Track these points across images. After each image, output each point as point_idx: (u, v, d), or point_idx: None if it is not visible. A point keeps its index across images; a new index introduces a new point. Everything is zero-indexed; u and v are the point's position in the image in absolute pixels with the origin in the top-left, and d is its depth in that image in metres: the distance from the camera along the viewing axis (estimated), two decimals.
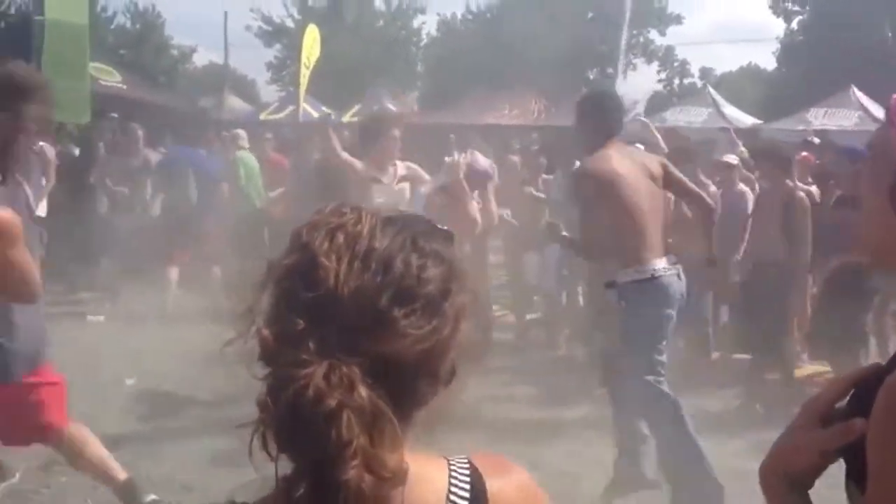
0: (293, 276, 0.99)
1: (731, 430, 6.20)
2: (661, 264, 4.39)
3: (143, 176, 10.32)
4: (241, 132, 11.23)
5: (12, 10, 27.27)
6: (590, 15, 33.40)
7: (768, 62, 38.87)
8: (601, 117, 4.65)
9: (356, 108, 23.45)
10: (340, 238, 1.00)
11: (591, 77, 32.41)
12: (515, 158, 10.11)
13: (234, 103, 25.68)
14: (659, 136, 8.55)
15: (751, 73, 41.23)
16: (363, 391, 0.93)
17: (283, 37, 38.42)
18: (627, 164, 4.58)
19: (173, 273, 9.29)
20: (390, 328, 0.97)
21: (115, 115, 12.77)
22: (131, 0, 39.45)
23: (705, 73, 40.50)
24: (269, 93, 38.22)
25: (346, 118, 22.20)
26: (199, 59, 43.07)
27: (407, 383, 1.00)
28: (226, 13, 36.24)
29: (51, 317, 8.06)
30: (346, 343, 0.95)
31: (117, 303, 9.19)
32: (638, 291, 4.34)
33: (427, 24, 40.30)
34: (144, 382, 6.64)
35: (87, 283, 9.86)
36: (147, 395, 6.46)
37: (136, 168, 10.42)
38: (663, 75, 40.38)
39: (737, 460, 5.74)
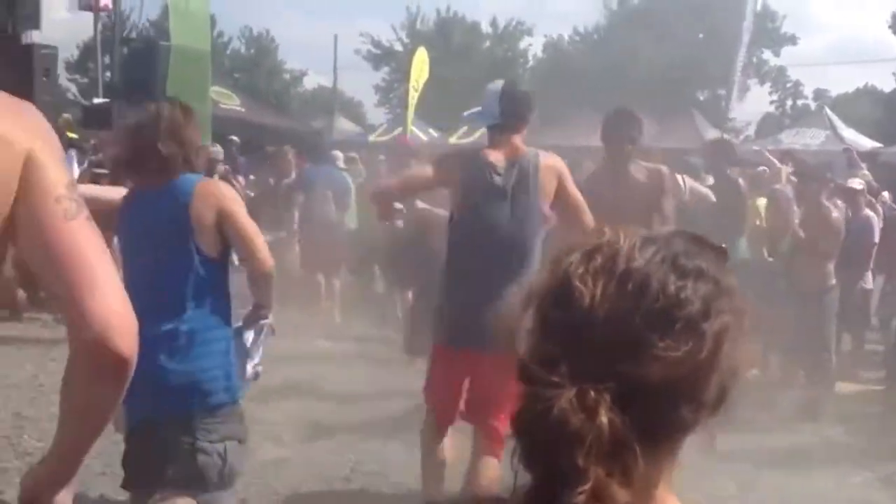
0: (549, 298, 0.98)
1: (856, 461, 5.99)
2: None
3: (295, 193, 10.53)
4: (338, 153, 11.44)
5: (133, 35, 28.63)
6: (700, 35, 32.91)
7: (886, 83, 37.53)
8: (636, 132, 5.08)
9: (462, 129, 23.64)
10: (598, 260, 0.98)
11: (702, 98, 31.88)
12: None
13: (344, 125, 26.25)
14: (775, 160, 8.37)
15: (868, 94, 39.83)
16: (606, 418, 0.91)
17: (391, 60, 39.11)
18: None
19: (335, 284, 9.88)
20: (644, 351, 0.94)
21: (235, 137, 13.20)
22: (246, 25, 41.01)
23: (819, 94, 39.37)
24: (377, 115, 38.98)
25: (452, 140, 22.42)
26: (309, 83, 44.24)
27: (664, 410, 0.96)
28: (336, 37, 37.12)
29: None
30: (599, 367, 0.93)
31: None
32: None
33: (533, 46, 40.44)
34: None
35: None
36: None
37: (290, 186, 10.66)
38: (775, 96, 39.51)
39: (861, 492, 5.55)
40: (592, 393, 0.91)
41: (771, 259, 7.16)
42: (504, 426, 3.77)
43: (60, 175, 1.30)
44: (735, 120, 30.79)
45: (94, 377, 1.27)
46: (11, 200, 1.25)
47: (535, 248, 3.93)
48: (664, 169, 5.16)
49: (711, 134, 17.71)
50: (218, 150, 10.71)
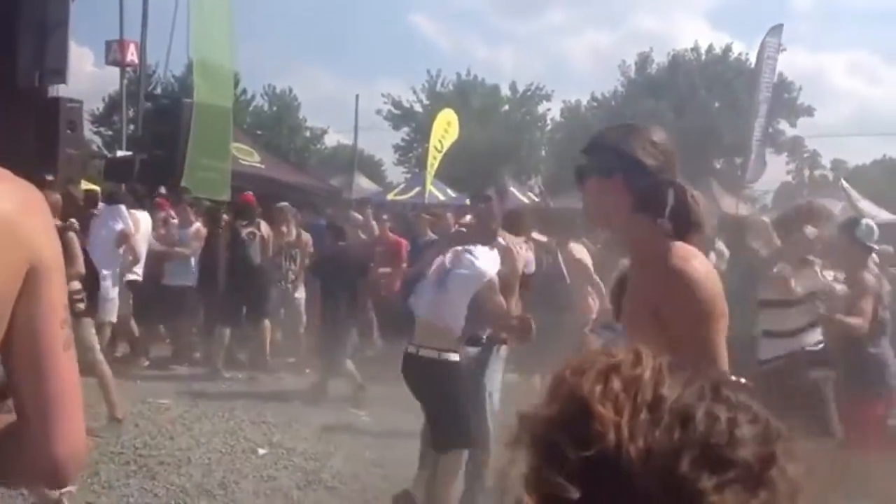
0: (559, 429, 0.77)
1: None
2: None
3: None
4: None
5: (158, 90, 29.11)
6: (716, 104, 33.20)
7: None
8: None
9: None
10: (616, 383, 0.77)
11: (719, 167, 32.00)
12: None
13: (363, 183, 26.46)
14: (775, 236, 8.31)
15: (886, 166, 39.90)
16: None
17: (411, 120, 39.55)
18: None
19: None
20: (696, 501, 0.73)
21: (251, 193, 13.30)
22: (269, 84, 41.63)
23: (837, 164, 39.44)
24: (396, 174, 39.30)
25: (469, 201, 22.54)
26: (330, 141, 44.74)
27: None
28: (357, 97, 37.65)
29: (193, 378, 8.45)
30: None
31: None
32: None
33: (552, 111, 40.81)
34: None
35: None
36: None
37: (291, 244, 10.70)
38: (792, 166, 39.61)
39: None
40: None
41: None
42: None
43: (64, 290, 1.30)
44: (752, 189, 30.88)
45: (37, 481, 1.48)
46: (11, 307, 1.22)
47: None
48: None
49: (728, 201, 17.75)
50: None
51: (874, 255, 6.31)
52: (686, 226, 2.35)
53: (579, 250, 8.11)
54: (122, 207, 8.97)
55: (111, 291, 8.32)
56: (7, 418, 1.33)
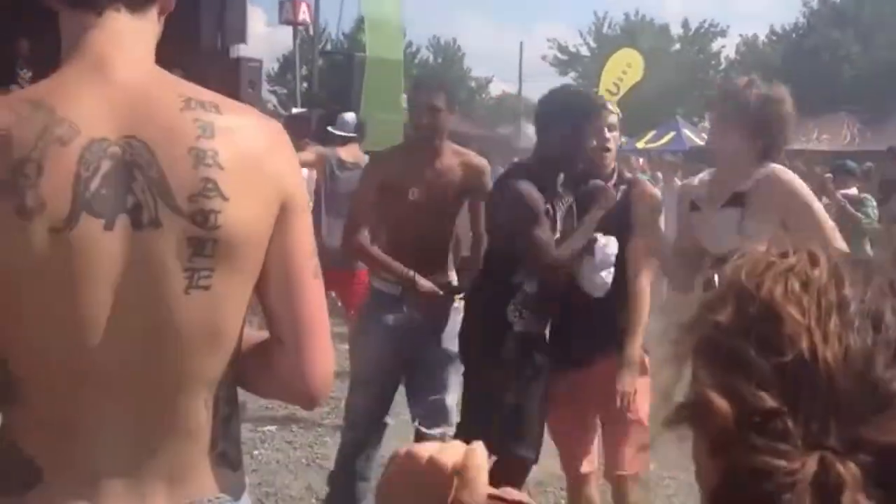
0: (741, 336, 0.72)
1: None
2: None
3: None
4: None
5: (329, 47, 29.85)
6: None
7: None
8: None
9: (651, 134, 23.15)
10: (796, 285, 0.72)
11: None
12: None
13: (531, 131, 26.32)
14: None
15: None
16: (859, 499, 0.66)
17: (577, 65, 38.88)
18: None
19: None
20: (890, 402, 0.69)
21: None
22: (434, 35, 41.95)
23: None
24: None
25: (640, 145, 21.98)
26: (494, 90, 44.65)
27: None
28: (521, 44, 37.37)
29: None
30: (838, 430, 0.68)
31: None
32: None
33: (726, 48, 39.08)
34: None
35: None
36: None
37: None
38: None
39: None
40: (840, 466, 0.67)
41: None
42: None
43: (309, 223, 1.36)
44: None
45: (291, 401, 1.60)
46: (268, 239, 1.29)
47: None
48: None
49: None
50: None
51: None
52: None
53: None
54: None
55: None
56: (260, 335, 1.39)
